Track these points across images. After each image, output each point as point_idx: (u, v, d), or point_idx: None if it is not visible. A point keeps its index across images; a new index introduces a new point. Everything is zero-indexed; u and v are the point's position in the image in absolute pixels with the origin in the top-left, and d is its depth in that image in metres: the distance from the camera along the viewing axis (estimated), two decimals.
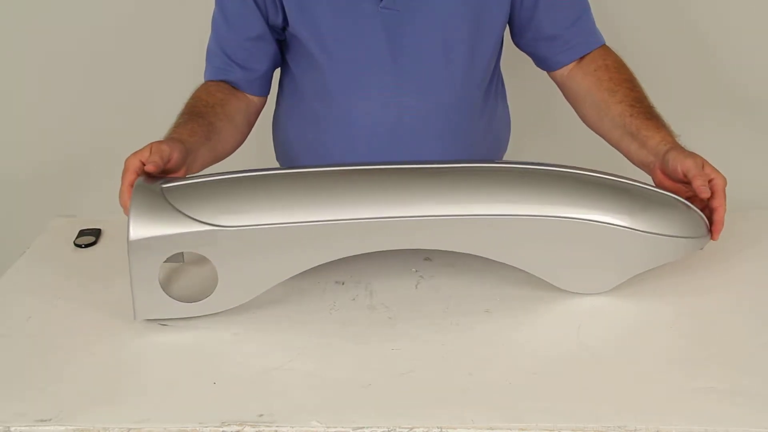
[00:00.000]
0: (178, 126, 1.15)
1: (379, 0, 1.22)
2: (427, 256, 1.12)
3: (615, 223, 0.97)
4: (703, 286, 1.04)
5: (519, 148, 1.52)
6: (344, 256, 0.98)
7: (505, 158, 1.45)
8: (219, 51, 1.29)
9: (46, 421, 0.83)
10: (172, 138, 1.10)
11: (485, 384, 0.87)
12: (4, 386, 0.89)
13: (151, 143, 1.05)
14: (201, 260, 1.08)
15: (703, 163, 1.06)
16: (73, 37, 1.89)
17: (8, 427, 0.83)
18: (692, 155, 1.07)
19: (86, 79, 1.93)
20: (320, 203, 0.97)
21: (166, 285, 0.99)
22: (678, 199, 1.03)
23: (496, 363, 0.91)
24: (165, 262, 1.06)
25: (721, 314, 0.99)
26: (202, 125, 1.17)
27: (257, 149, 1.42)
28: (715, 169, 1.06)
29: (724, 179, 1.05)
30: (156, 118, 1.26)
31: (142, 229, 0.94)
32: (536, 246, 0.99)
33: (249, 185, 1.00)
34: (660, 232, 0.99)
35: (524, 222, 0.97)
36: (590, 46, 1.29)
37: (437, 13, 1.24)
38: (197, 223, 0.95)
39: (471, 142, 1.32)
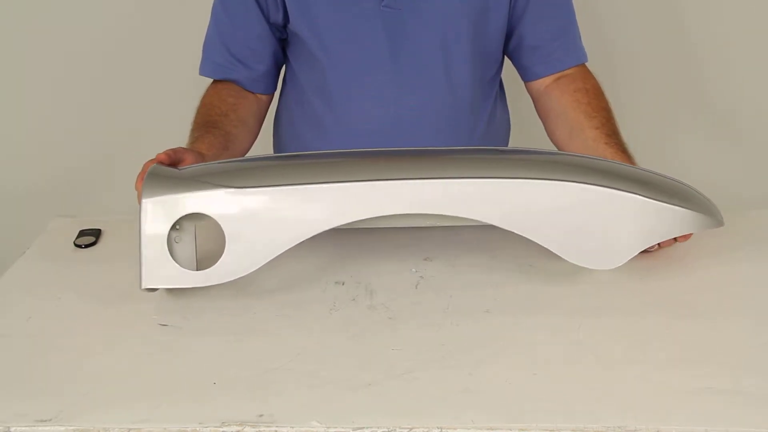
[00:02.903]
0: (195, 140, 1.17)
1: None
2: (427, 256, 1.12)
3: (627, 189, 0.98)
4: (702, 285, 1.04)
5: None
6: (351, 221, 0.98)
7: None
8: (222, 47, 1.29)
9: (46, 421, 0.83)
10: (190, 150, 1.11)
11: (485, 384, 0.87)
12: (4, 386, 0.89)
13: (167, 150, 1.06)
14: (208, 237, 1.07)
15: None
16: (74, 40, 1.90)
17: (8, 427, 0.83)
18: None
19: (87, 81, 1.93)
20: (329, 168, 0.98)
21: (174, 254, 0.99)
22: (691, 186, 1.05)
23: (496, 363, 0.91)
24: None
25: (721, 314, 0.99)
26: (218, 136, 1.19)
27: (257, 146, 1.42)
28: None
29: None
30: (157, 120, 1.27)
31: (153, 191, 0.96)
32: (546, 214, 0.99)
33: (261, 159, 1.04)
34: (672, 202, 1.00)
35: (535, 187, 0.97)
36: (569, 63, 1.30)
37: (438, 14, 1.24)
38: (208, 184, 0.96)
39: (470, 143, 1.32)
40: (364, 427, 0.81)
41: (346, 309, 1.02)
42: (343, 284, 1.07)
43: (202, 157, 1.10)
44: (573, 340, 0.95)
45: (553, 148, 1.33)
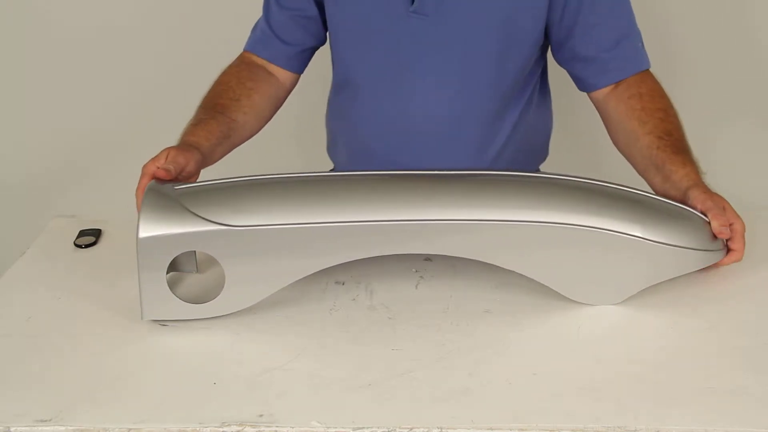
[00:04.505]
0: (198, 123, 1.17)
1: (410, 3, 1.22)
2: (427, 256, 1.12)
3: (628, 232, 0.97)
4: (702, 286, 1.04)
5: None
6: (352, 259, 0.98)
7: (544, 167, 1.44)
8: (264, 23, 1.32)
9: (46, 421, 0.83)
10: (188, 144, 1.11)
11: (485, 384, 0.87)
12: (4, 386, 0.89)
13: (168, 150, 1.07)
14: (208, 264, 1.08)
15: (724, 206, 1.05)
16: (74, 38, 1.90)
17: (8, 427, 0.83)
18: (714, 196, 1.06)
19: (87, 79, 1.93)
20: (329, 206, 0.97)
21: (173, 286, 0.99)
22: (694, 212, 1.03)
23: (496, 363, 0.91)
24: (179, 271, 1.06)
25: (721, 314, 0.99)
26: (222, 123, 1.19)
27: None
28: (736, 213, 1.06)
29: (744, 224, 1.05)
30: (157, 119, 1.27)
31: (151, 226, 0.94)
32: (547, 255, 0.98)
33: (260, 189, 1.01)
34: (674, 243, 0.98)
35: (536, 229, 0.96)
36: (626, 72, 1.24)
37: (466, 24, 1.23)
38: (206, 222, 0.95)
39: (487, 150, 1.31)
40: (364, 427, 0.81)
41: (346, 309, 1.02)
42: (343, 284, 1.07)
43: (200, 153, 1.09)
44: (573, 340, 0.95)
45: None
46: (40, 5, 1.88)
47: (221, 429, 0.82)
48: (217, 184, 1.01)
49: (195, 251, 1.07)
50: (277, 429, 0.82)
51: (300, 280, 0.99)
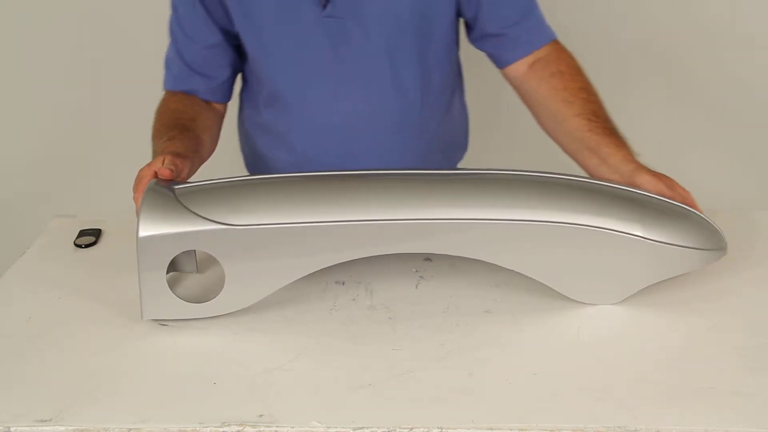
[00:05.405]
0: (172, 139, 1.15)
1: (322, 8, 1.22)
2: (427, 256, 1.12)
3: (628, 232, 0.97)
4: (702, 286, 1.04)
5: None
6: (352, 258, 0.98)
7: (467, 155, 1.45)
8: (178, 59, 1.28)
9: (46, 421, 0.83)
10: (178, 153, 1.10)
11: (485, 384, 0.87)
12: (4, 386, 0.89)
13: (164, 156, 1.06)
14: (208, 263, 1.08)
15: (671, 184, 1.07)
16: (73, 38, 1.90)
17: (8, 427, 0.83)
18: (661, 177, 1.08)
19: (87, 79, 1.93)
20: (329, 205, 0.97)
21: (173, 285, 0.99)
22: (693, 212, 1.03)
23: (496, 363, 0.91)
24: (179, 271, 1.06)
25: (721, 314, 0.99)
26: (192, 139, 1.18)
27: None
28: (683, 187, 1.08)
29: (688, 191, 1.08)
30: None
31: (151, 226, 0.95)
32: (547, 254, 0.98)
33: (259, 188, 1.01)
34: (674, 243, 0.98)
35: (536, 229, 0.96)
36: (537, 43, 1.27)
37: (381, 21, 1.23)
38: (206, 221, 0.95)
39: (423, 142, 1.31)
40: (364, 427, 0.81)
41: (346, 309, 1.02)
42: (343, 284, 1.07)
43: (191, 162, 1.10)
44: (573, 340, 0.95)
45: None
46: (41, 5, 1.88)
47: (221, 429, 0.82)
48: (217, 183, 1.02)
49: (195, 251, 1.07)
50: (277, 429, 0.82)
51: (300, 280, 0.99)
